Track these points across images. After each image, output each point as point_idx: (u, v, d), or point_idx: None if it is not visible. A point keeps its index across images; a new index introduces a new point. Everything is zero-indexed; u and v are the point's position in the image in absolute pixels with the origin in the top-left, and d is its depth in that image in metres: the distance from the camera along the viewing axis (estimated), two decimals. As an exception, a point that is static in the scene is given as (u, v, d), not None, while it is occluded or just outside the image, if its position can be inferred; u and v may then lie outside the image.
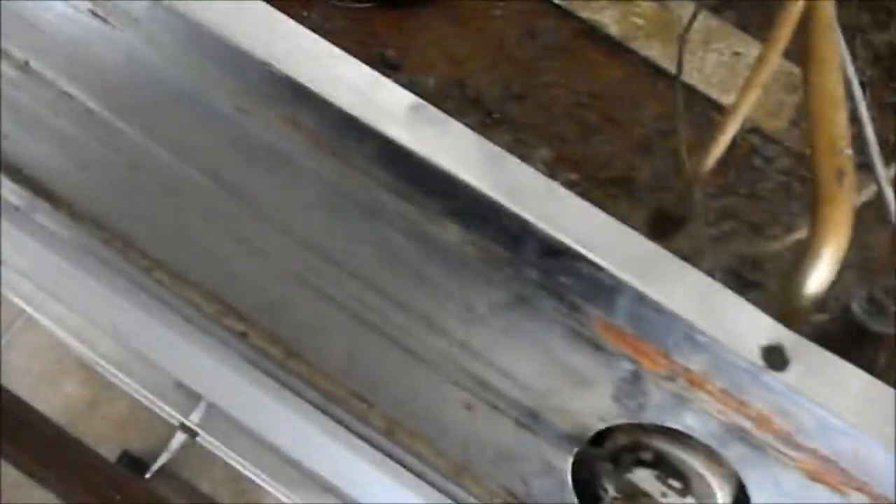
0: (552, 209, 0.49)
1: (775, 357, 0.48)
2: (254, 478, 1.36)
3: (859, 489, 0.49)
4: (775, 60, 0.59)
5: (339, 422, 0.65)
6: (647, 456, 0.54)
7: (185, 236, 0.65)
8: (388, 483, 0.68)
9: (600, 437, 0.56)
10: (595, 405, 0.54)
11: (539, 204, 0.50)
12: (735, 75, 0.86)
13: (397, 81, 0.85)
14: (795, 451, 0.49)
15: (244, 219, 0.61)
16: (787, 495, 0.51)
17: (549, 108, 0.86)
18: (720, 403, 0.50)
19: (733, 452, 0.51)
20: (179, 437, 1.98)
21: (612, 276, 0.49)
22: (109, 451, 2.02)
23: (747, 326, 0.49)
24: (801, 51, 0.57)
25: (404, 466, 0.64)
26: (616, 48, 0.85)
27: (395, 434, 0.63)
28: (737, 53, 0.86)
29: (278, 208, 0.59)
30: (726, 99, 0.84)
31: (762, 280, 0.65)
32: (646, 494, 0.54)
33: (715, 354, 0.49)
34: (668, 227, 0.60)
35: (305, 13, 0.88)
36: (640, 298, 0.49)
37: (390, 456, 0.65)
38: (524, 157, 0.82)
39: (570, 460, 0.57)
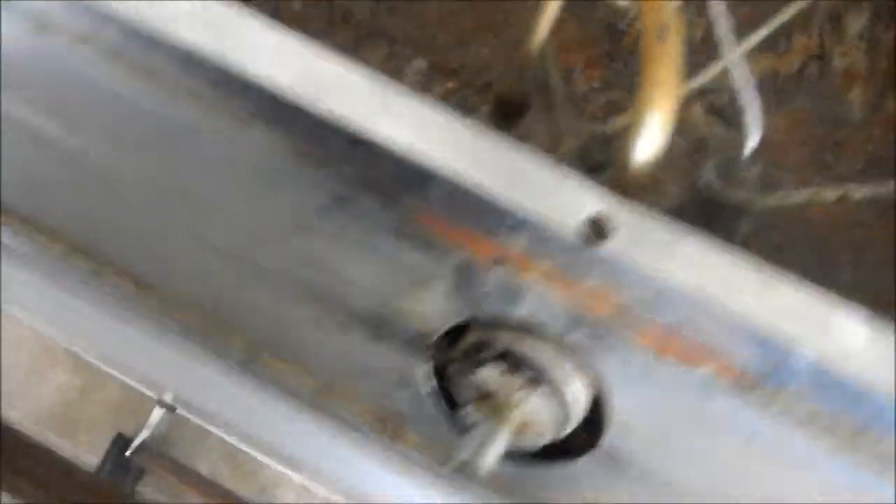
0: (351, 98, 0.47)
1: (596, 228, 0.45)
2: (240, 446, 1.33)
3: (705, 359, 0.46)
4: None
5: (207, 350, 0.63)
6: (495, 352, 0.51)
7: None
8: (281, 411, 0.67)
9: (453, 340, 0.54)
10: (436, 304, 0.52)
11: (339, 94, 0.47)
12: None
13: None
14: (635, 326, 0.47)
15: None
16: (638, 376, 0.49)
17: (423, 19, 0.83)
18: (550, 284, 0.47)
19: (577, 336, 0.49)
20: (158, 413, 1.98)
21: (421, 163, 0.46)
22: (104, 436, 2.02)
23: (569, 200, 0.46)
24: None
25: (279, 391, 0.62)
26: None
27: (259, 360, 0.61)
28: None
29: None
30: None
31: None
32: (499, 390, 0.52)
33: (534, 232, 0.46)
34: (512, 114, 0.57)
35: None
36: (453, 183, 0.46)
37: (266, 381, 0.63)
38: (399, 70, 0.80)
39: (425, 368, 0.55)
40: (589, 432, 0.53)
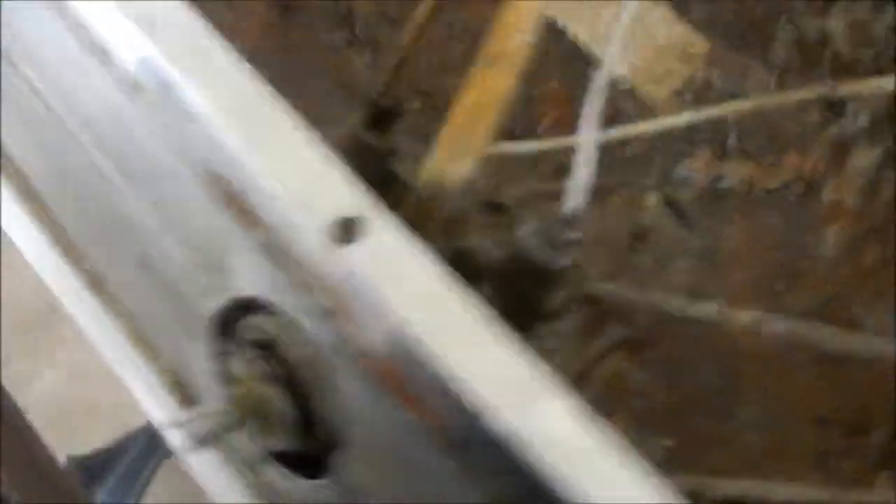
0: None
1: (344, 230, 0.43)
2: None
3: (413, 404, 0.43)
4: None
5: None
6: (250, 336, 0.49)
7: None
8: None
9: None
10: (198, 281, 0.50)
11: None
12: (629, 37, 0.78)
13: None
14: (354, 335, 0.44)
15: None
16: (362, 400, 0.45)
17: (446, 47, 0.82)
18: (290, 273, 0.45)
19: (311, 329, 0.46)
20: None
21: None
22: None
23: (332, 196, 0.44)
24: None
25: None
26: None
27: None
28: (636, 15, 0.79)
29: None
30: (596, 48, 0.77)
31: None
32: (243, 376, 0.49)
33: (283, 219, 0.44)
34: (383, 121, 0.55)
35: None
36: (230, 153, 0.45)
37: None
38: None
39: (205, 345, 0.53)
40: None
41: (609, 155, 0.75)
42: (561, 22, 0.79)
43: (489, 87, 0.46)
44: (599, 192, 0.73)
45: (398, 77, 0.54)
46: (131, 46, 0.50)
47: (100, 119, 0.57)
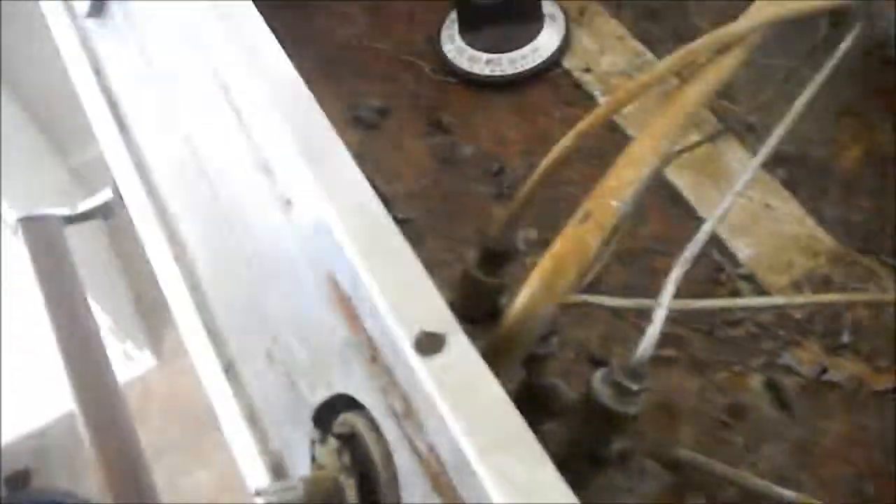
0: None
1: (428, 343, 0.48)
2: None
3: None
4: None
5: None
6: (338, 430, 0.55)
7: None
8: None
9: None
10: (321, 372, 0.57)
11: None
12: (756, 225, 0.82)
13: (441, 143, 0.94)
14: (420, 441, 0.48)
15: None
16: (418, 495, 0.50)
17: (560, 203, 0.90)
18: (379, 375, 0.51)
19: (389, 430, 0.51)
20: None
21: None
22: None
23: (425, 310, 0.50)
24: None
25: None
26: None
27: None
28: (767, 206, 0.82)
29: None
30: (733, 242, 0.81)
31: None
32: (326, 464, 0.54)
33: (382, 326, 0.50)
34: (496, 262, 0.61)
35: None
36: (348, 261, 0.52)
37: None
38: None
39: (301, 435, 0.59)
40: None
41: (720, 331, 0.78)
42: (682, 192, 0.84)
43: (577, 241, 0.51)
44: (704, 366, 0.76)
45: (512, 224, 0.60)
46: (291, 168, 0.59)
47: (258, 226, 0.67)
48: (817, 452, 0.69)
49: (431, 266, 0.85)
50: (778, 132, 0.65)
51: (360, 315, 0.53)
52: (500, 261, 0.61)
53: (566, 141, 0.57)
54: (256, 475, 0.68)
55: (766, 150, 0.63)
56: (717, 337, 0.76)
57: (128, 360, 2.34)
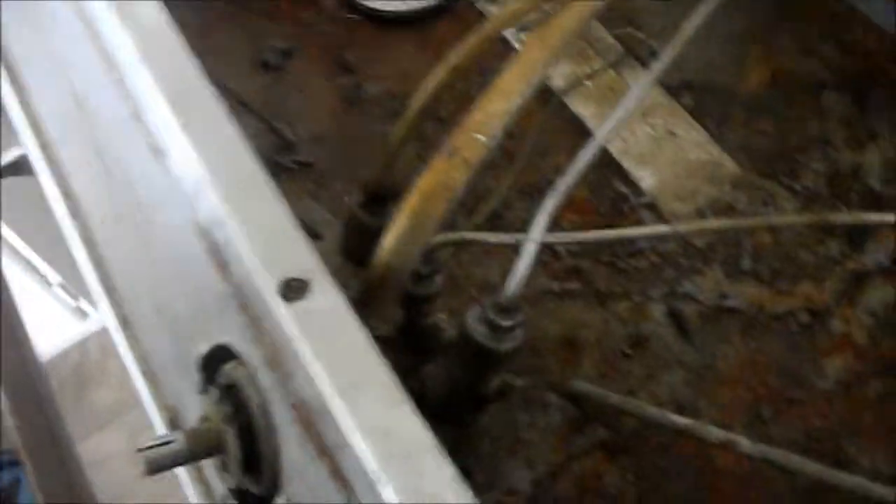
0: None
1: (291, 289, 0.47)
2: None
3: (323, 451, 0.46)
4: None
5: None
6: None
7: None
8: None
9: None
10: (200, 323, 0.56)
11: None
12: (660, 153, 0.81)
13: (346, 83, 0.92)
14: (289, 389, 0.48)
15: None
16: (292, 442, 0.49)
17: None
18: (250, 324, 0.50)
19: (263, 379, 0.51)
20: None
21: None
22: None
23: (290, 256, 0.49)
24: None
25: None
26: (550, 99, 0.84)
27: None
28: (672, 133, 0.82)
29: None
30: (636, 171, 0.80)
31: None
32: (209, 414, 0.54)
33: (247, 273, 0.49)
34: (380, 202, 0.60)
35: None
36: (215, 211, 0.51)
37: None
38: (418, 170, 0.85)
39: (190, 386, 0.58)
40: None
41: (622, 262, 0.77)
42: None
43: (444, 177, 0.50)
44: (606, 298, 0.76)
45: (392, 161, 0.59)
46: (161, 117, 0.57)
47: (136, 175, 0.65)
48: (716, 378, 0.70)
49: (335, 209, 0.84)
50: (671, 49, 0.63)
51: (229, 263, 0.52)
52: (386, 199, 0.60)
53: (440, 72, 0.55)
54: (158, 428, 0.68)
55: (658, 67, 0.62)
56: (619, 268, 0.76)
57: (82, 317, 2.32)
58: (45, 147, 0.84)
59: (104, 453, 2.00)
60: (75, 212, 0.78)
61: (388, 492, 0.42)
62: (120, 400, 2.09)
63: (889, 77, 0.84)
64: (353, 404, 0.44)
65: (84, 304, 2.37)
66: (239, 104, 0.88)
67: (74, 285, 2.26)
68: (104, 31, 0.64)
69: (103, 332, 2.29)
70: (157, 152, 0.59)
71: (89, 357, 2.29)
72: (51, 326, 2.23)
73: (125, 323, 0.71)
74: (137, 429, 2.12)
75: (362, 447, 0.43)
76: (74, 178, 0.78)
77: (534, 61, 0.54)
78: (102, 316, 0.78)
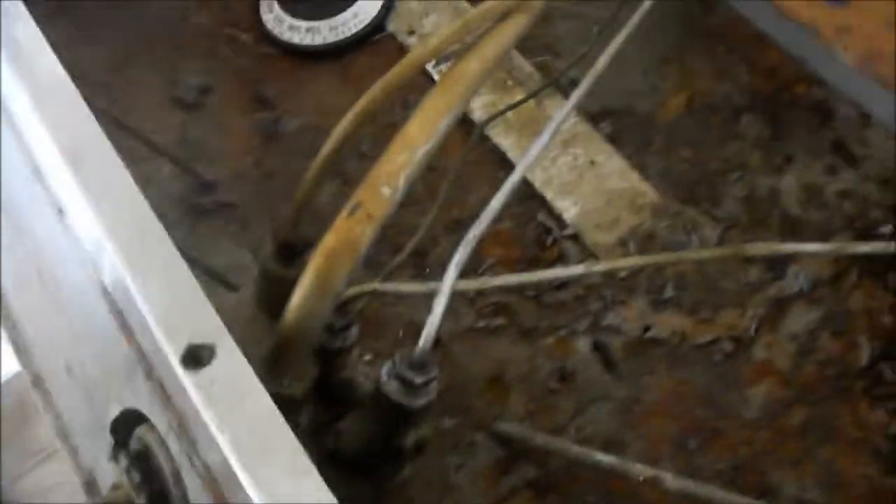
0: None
1: (194, 356, 0.46)
2: None
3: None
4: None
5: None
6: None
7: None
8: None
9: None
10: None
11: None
12: (582, 182, 0.81)
13: (265, 119, 0.91)
14: (196, 458, 0.46)
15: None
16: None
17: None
18: (157, 389, 0.48)
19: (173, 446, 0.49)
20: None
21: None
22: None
23: (193, 321, 0.47)
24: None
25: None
26: (472, 131, 0.84)
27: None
28: (592, 162, 0.82)
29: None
30: (559, 202, 0.80)
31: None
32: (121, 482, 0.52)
33: (151, 340, 0.47)
34: (292, 254, 0.59)
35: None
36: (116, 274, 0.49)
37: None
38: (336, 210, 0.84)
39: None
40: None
41: (548, 296, 0.77)
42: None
43: (348, 234, 0.49)
44: (532, 333, 0.76)
45: (301, 215, 0.58)
46: (59, 175, 0.55)
47: (41, 235, 0.63)
48: (642, 411, 0.70)
49: (258, 251, 0.82)
50: (589, 77, 0.63)
51: (134, 329, 0.50)
52: (298, 249, 0.59)
53: (350, 116, 0.54)
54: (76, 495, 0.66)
55: (576, 96, 0.62)
56: (544, 302, 0.75)
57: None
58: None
59: (51, 484, 1.97)
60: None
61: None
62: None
63: (800, 99, 0.85)
64: (259, 475, 0.43)
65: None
66: (152, 146, 0.86)
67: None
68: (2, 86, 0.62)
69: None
70: (58, 211, 0.57)
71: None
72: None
73: (38, 380, 0.69)
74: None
75: (270, 521, 0.42)
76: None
77: (441, 106, 0.54)
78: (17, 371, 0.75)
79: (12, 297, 0.72)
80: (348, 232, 0.49)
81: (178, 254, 0.50)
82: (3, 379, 2.09)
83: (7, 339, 0.71)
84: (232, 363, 0.46)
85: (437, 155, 0.76)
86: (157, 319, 0.47)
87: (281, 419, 0.44)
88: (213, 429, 0.44)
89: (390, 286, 0.54)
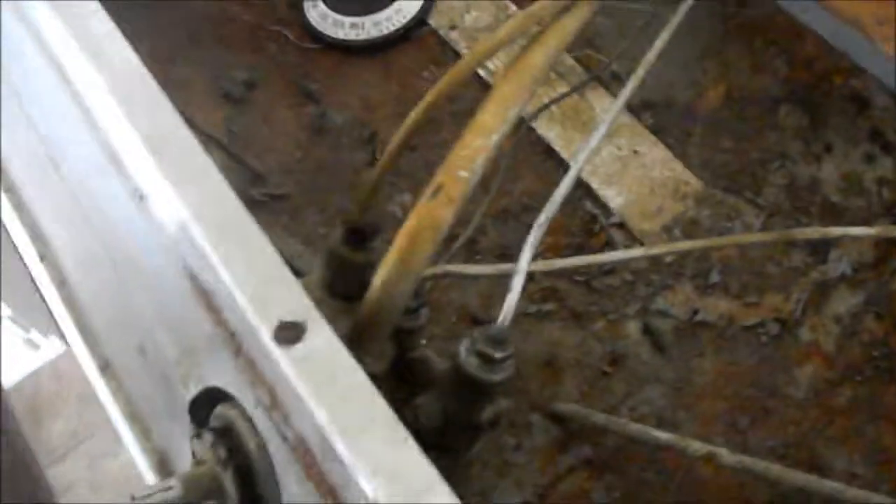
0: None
1: (286, 333, 0.48)
2: None
3: (328, 491, 0.47)
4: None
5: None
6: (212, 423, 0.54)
7: None
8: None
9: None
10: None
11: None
12: (626, 172, 0.83)
13: (311, 113, 0.93)
14: (288, 430, 0.48)
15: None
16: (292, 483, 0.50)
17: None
18: (245, 368, 0.50)
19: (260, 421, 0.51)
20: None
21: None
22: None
23: (282, 299, 0.49)
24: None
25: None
26: (518, 123, 0.86)
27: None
28: (636, 152, 0.84)
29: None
30: (604, 191, 0.82)
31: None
32: (204, 458, 0.54)
33: (241, 319, 0.49)
34: (361, 239, 0.61)
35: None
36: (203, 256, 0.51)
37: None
38: (391, 197, 0.86)
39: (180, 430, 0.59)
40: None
41: (597, 282, 0.79)
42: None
43: (430, 216, 0.51)
44: (582, 317, 0.77)
45: (373, 196, 0.59)
46: (140, 162, 0.57)
47: (115, 219, 0.65)
48: (692, 392, 0.72)
49: (310, 242, 0.84)
50: (637, 76, 0.65)
51: (221, 308, 0.52)
52: (367, 234, 0.61)
53: (419, 109, 0.56)
54: (145, 473, 0.68)
55: (625, 94, 0.64)
56: (593, 287, 0.77)
57: (34, 349, 2.28)
58: (9, 190, 0.83)
59: (66, 483, 1.98)
60: (45, 254, 0.77)
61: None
62: (77, 429, 2.06)
63: (837, 89, 0.87)
64: (358, 444, 0.44)
65: (35, 336, 2.33)
66: (206, 137, 0.88)
67: (24, 317, 2.22)
68: (73, 73, 0.64)
69: (56, 363, 2.26)
70: (137, 197, 0.59)
71: (43, 389, 2.25)
72: (3, 360, 2.19)
73: (105, 366, 0.71)
74: (96, 456, 2.09)
75: (370, 488, 0.43)
76: (43, 220, 0.77)
77: (511, 95, 0.56)
78: (80, 360, 0.77)
79: (78, 285, 0.74)
80: (430, 214, 0.51)
81: (263, 234, 0.52)
82: (14, 382, 2.12)
83: (74, 326, 0.73)
84: (323, 339, 0.48)
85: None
86: (247, 298, 0.49)
87: (376, 392, 0.46)
88: (310, 402, 0.46)
89: (461, 267, 0.56)
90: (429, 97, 0.57)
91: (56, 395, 2.18)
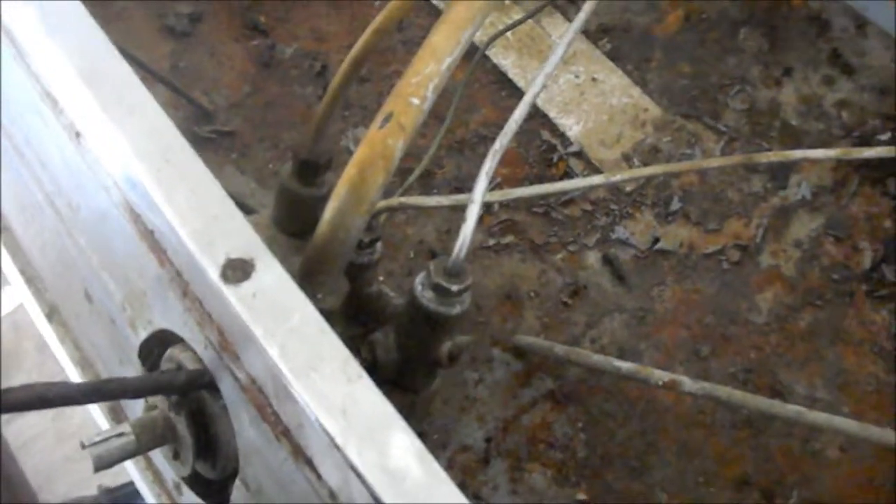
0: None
1: (234, 271, 0.46)
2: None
3: (282, 431, 0.45)
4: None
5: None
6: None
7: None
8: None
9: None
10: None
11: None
12: (584, 100, 0.81)
13: (259, 46, 0.89)
14: (240, 371, 0.47)
15: None
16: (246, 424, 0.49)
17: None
18: (193, 308, 0.49)
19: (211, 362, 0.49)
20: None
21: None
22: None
23: (229, 236, 0.47)
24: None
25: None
26: (471, 51, 0.83)
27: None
28: (593, 80, 0.82)
29: None
30: (562, 120, 0.80)
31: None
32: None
33: (187, 258, 0.47)
34: (311, 172, 0.59)
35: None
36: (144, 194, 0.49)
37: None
38: (343, 132, 0.83)
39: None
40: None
41: (556, 212, 0.78)
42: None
43: (380, 145, 0.49)
44: (542, 249, 0.76)
45: (321, 129, 0.57)
46: (74, 98, 0.54)
47: (55, 161, 0.62)
48: (654, 321, 0.71)
49: (262, 179, 0.82)
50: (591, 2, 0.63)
51: (165, 248, 0.50)
52: (318, 168, 0.59)
53: (365, 37, 0.54)
54: (97, 420, 0.66)
55: (581, 18, 0.61)
56: (552, 218, 0.76)
57: (-7, 299, 2.24)
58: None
59: (27, 436, 1.96)
60: (-15, 199, 0.74)
61: (353, 469, 0.41)
62: (38, 381, 2.04)
63: (797, 11, 0.86)
64: (311, 383, 0.43)
65: (-8, 286, 2.29)
66: (148, 73, 0.84)
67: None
68: (3, 6, 0.60)
69: (12, 317, 2.22)
70: (73, 134, 0.56)
71: (2, 341, 2.22)
72: (-45, 316, 2.15)
73: (52, 311, 0.68)
74: (59, 410, 2.07)
75: (324, 426, 0.42)
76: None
77: (462, 19, 0.53)
78: (28, 307, 0.74)
79: (20, 230, 0.72)
80: (381, 143, 0.49)
81: (207, 171, 0.50)
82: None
83: (19, 273, 0.70)
84: (273, 276, 0.46)
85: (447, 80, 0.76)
86: (192, 236, 0.47)
87: (328, 328, 0.45)
88: (260, 340, 0.44)
89: (416, 199, 0.54)
90: (375, 23, 0.54)
91: (14, 350, 2.15)
